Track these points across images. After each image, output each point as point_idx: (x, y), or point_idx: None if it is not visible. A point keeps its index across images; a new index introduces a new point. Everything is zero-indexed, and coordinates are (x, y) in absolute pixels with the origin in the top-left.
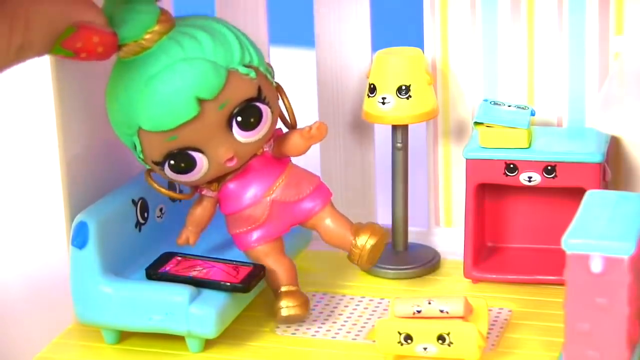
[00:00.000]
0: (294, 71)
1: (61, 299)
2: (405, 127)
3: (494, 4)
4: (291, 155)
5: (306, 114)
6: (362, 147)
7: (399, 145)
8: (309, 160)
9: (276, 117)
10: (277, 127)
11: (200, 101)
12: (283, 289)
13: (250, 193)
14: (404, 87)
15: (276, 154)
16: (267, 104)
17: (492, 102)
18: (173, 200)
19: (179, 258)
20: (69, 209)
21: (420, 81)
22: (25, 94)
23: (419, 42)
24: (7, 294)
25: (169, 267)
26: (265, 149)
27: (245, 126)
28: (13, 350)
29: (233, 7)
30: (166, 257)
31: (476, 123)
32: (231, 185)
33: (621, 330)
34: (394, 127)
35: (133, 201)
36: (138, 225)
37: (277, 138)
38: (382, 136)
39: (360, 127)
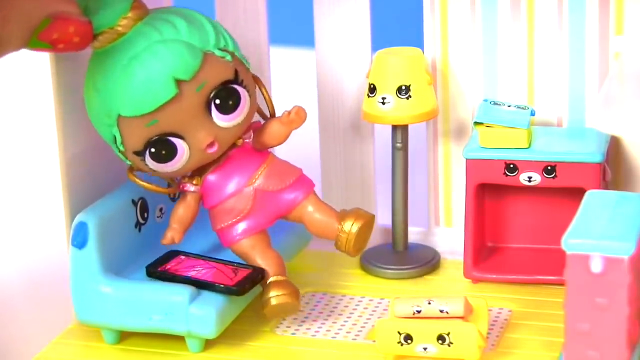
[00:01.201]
0: (294, 71)
1: (61, 299)
2: (405, 127)
3: (494, 3)
4: (272, 145)
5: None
6: (362, 147)
7: (399, 145)
8: (309, 160)
9: (254, 103)
10: (257, 120)
11: (178, 82)
12: (271, 279)
13: (233, 183)
14: (404, 87)
15: (256, 146)
16: (245, 88)
17: (492, 102)
18: (172, 199)
19: (182, 257)
20: (69, 209)
21: (420, 81)
22: (25, 94)
23: (419, 42)
24: (6, 293)
25: (169, 266)
26: (245, 140)
27: (224, 109)
28: (13, 350)
29: (233, 7)
30: (170, 255)
31: (476, 123)
32: (212, 178)
33: (621, 330)
34: (394, 127)
35: (133, 201)
36: (138, 225)
37: (256, 129)
38: (382, 136)
39: (360, 127)
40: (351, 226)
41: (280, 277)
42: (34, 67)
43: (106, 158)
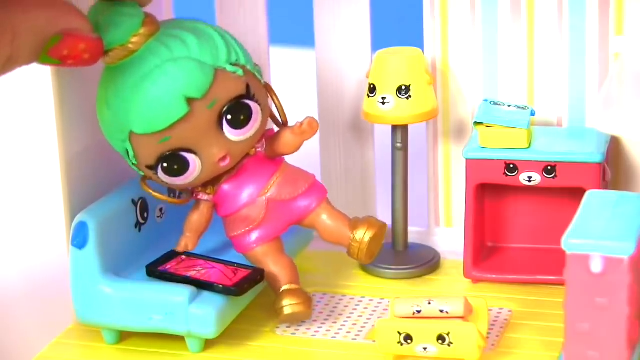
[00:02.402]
0: (294, 71)
1: (61, 299)
2: (405, 127)
3: (494, 4)
4: (284, 154)
5: (306, 114)
6: (362, 147)
7: (399, 145)
8: (309, 160)
9: (267, 115)
10: (269, 127)
11: (189, 100)
12: (284, 287)
13: (246, 193)
14: (403, 87)
15: (269, 154)
16: (257, 102)
17: (492, 102)
18: None
19: (183, 257)
20: (69, 209)
21: (420, 81)
22: (26, 94)
23: (419, 42)
24: (7, 293)
25: (169, 266)
26: (258, 149)
27: (236, 124)
28: (13, 350)
29: (233, 7)
30: (170, 255)
31: (476, 123)
32: (226, 187)
33: (621, 330)
34: (394, 127)
35: (133, 201)
36: (138, 225)
37: (268, 138)
38: (382, 136)
39: (360, 127)
40: (363, 235)
41: (293, 286)
42: (34, 67)
43: (106, 158)
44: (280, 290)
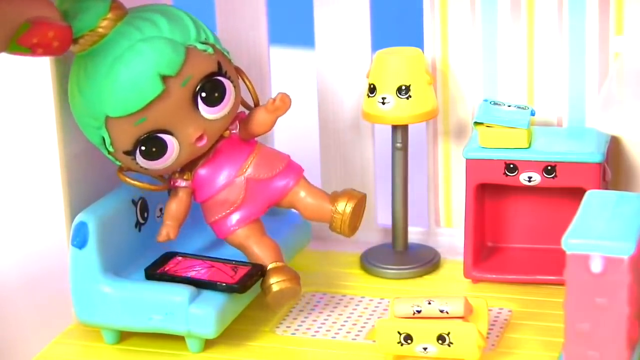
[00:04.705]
0: (294, 71)
1: (61, 299)
2: (405, 127)
3: (494, 4)
4: (259, 133)
5: (306, 114)
6: (362, 147)
7: (399, 145)
8: (309, 159)
9: (239, 94)
10: (241, 111)
11: (164, 78)
12: (270, 266)
13: (223, 175)
14: (403, 87)
15: (243, 136)
16: (229, 79)
17: (492, 102)
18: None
19: (180, 258)
20: (69, 209)
21: (420, 81)
22: (26, 94)
23: (419, 42)
24: (6, 293)
25: (168, 267)
26: (232, 131)
27: (211, 101)
28: (13, 350)
29: (233, 7)
30: (167, 257)
31: (476, 123)
32: (203, 171)
33: (621, 330)
34: (394, 127)
35: (133, 201)
36: (138, 225)
37: (242, 120)
38: (382, 136)
39: (360, 127)
40: (345, 206)
41: (278, 264)
42: (34, 67)
43: (106, 158)
44: (267, 270)
